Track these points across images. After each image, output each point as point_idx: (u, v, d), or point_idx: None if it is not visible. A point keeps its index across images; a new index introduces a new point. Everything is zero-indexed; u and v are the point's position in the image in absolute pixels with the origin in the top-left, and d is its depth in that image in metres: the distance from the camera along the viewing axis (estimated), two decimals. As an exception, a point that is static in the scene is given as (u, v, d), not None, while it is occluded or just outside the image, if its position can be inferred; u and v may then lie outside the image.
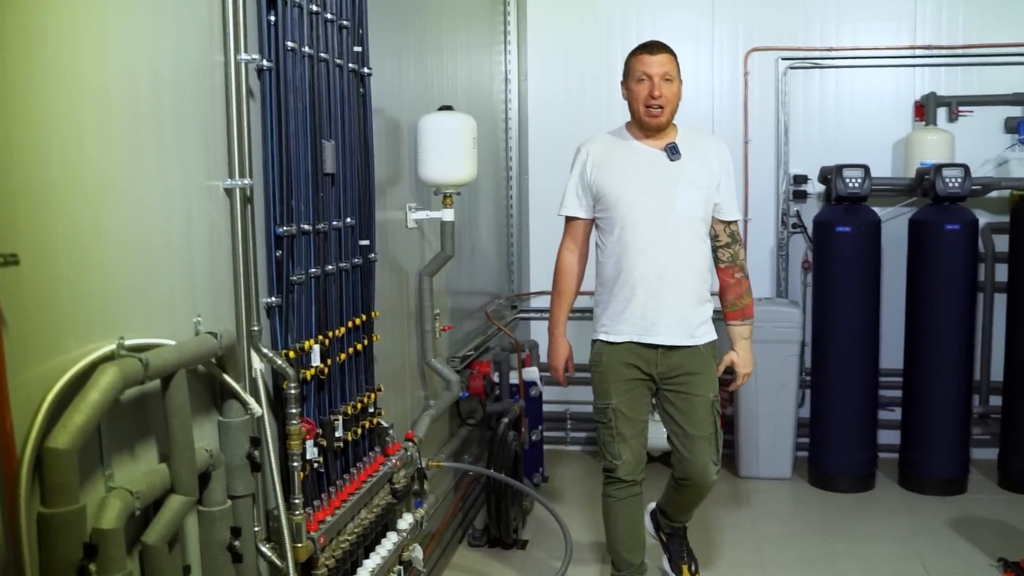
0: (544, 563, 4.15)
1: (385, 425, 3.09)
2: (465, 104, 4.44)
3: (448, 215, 3.65)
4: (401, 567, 3.05)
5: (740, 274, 3.49)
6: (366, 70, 2.95)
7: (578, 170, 3.41)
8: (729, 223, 3.44)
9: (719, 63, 5.72)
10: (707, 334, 3.39)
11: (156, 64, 1.94)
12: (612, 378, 3.39)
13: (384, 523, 3.02)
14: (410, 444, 3.27)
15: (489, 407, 4.48)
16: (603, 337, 3.40)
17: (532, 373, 5.07)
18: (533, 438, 5.00)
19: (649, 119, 3.27)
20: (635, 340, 3.34)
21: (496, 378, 4.61)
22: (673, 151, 3.31)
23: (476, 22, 5.11)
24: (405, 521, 3.13)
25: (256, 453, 2.17)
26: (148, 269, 1.90)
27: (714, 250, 3.45)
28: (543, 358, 5.74)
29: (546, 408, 5.47)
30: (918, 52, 5.50)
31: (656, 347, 3.34)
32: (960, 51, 5.48)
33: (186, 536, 2.00)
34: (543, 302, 5.98)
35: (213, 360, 2.08)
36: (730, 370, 3.57)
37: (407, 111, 3.64)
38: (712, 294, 3.45)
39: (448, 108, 3.63)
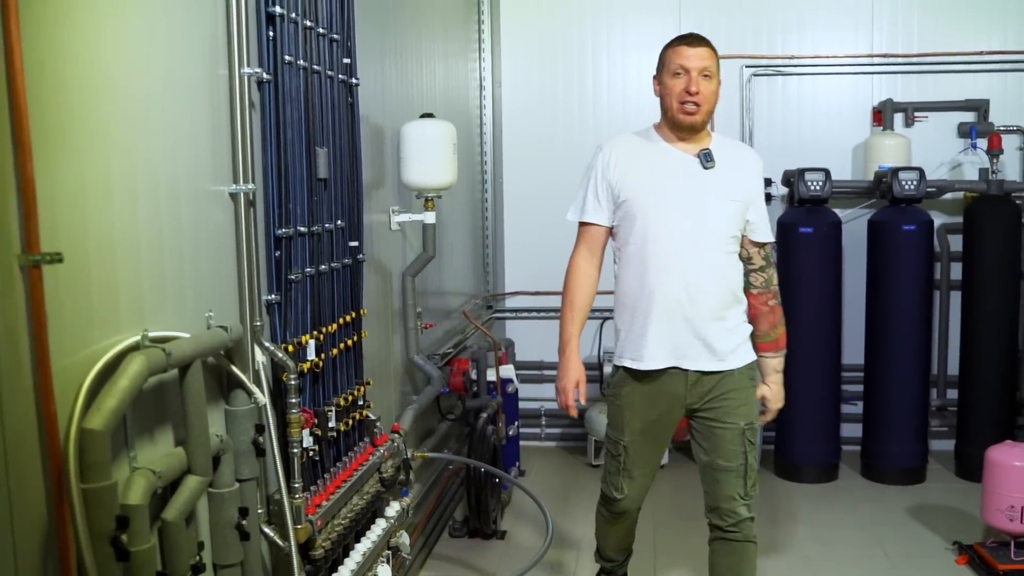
0: (522, 552, 4.32)
1: (373, 417, 3.25)
2: (443, 110, 4.60)
3: (430, 218, 3.81)
4: (389, 552, 3.21)
5: (774, 301, 3.16)
6: (354, 80, 3.12)
7: (599, 171, 3.07)
8: (763, 245, 3.13)
9: (686, 70, 5.91)
10: (743, 356, 3.07)
11: (171, 78, 2.10)
12: (629, 415, 3.13)
13: (373, 510, 3.18)
14: (396, 436, 3.43)
15: (468, 403, 4.65)
16: (628, 364, 3.07)
17: (508, 370, 5.24)
18: (510, 433, 5.17)
19: (684, 116, 2.94)
20: (661, 367, 3.02)
21: (474, 375, 4.78)
22: (707, 158, 2.98)
23: (452, 30, 5.28)
24: (392, 509, 3.29)
25: (260, 439, 2.32)
26: (164, 267, 2.05)
27: (746, 274, 3.12)
28: (519, 356, 5.95)
29: (521, 405, 5.65)
30: (875, 60, 5.75)
31: (685, 373, 3.03)
32: (915, 59, 5.73)
33: (198, 515, 2.16)
34: (518, 302, 6.18)
35: (223, 352, 2.24)
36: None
37: (390, 118, 3.80)
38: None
39: (430, 115, 3.80)
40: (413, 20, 4.35)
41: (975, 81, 5.70)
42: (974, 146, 5.57)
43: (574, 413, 3.15)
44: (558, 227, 5.86)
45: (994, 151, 5.34)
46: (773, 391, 3.21)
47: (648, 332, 2.99)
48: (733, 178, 3.02)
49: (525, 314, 6.18)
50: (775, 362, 3.20)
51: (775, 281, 3.17)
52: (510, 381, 5.21)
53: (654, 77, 3.08)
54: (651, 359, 3.02)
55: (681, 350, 3.00)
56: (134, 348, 1.84)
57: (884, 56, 5.74)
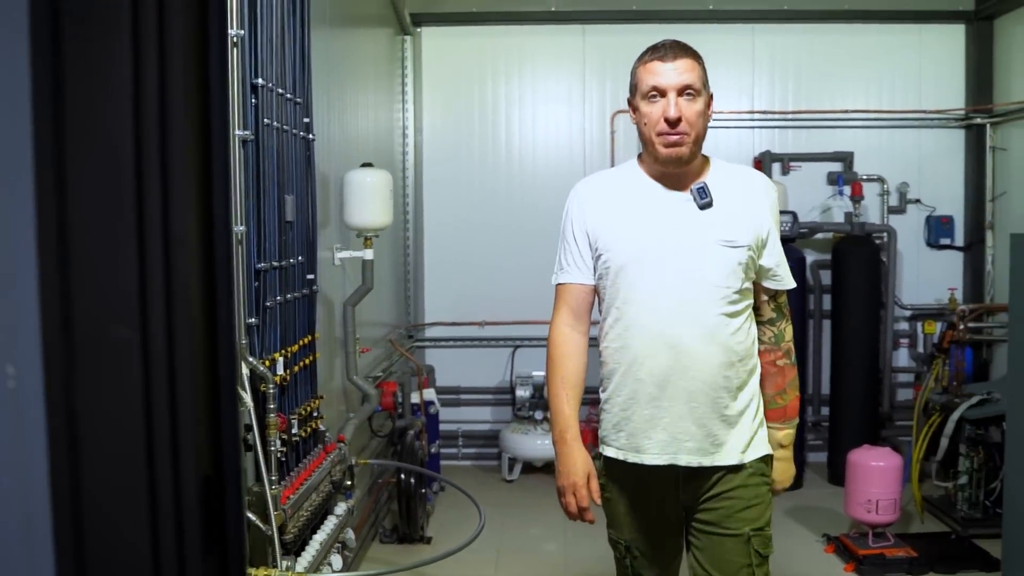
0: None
1: (323, 429, 3.73)
2: (373, 156, 5.11)
3: (369, 254, 4.32)
4: (340, 544, 3.68)
5: (785, 360, 2.53)
6: (311, 136, 3.63)
7: (574, 218, 2.51)
8: (777, 294, 2.51)
9: (590, 123, 6.57)
10: (756, 448, 2.44)
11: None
12: (623, 509, 2.55)
13: (325, 508, 3.65)
14: (342, 445, 3.91)
15: (398, 422, 5.14)
16: (609, 454, 2.50)
17: (430, 394, 5.76)
18: (432, 451, 5.68)
19: (666, 151, 2.34)
20: (649, 463, 2.41)
21: (400, 397, 5.27)
22: (703, 194, 2.37)
23: (380, 82, 5.81)
24: (341, 508, 3.77)
25: (248, 437, 2.80)
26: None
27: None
28: (439, 381, 6.46)
29: (441, 427, 6.16)
30: (756, 116, 6.48)
31: (676, 469, 2.42)
32: (790, 116, 6.48)
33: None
34: (436, 332, 6.70)
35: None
36: None
37: (332, 165, 4.31)
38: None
39: (369, 165, 4.32)
40: (350, 74, 4.87)
41: (842, 135, 6.49)
42: (840, 192, 6.33)
43: (591, 517, 2.49)
44: (473, 264, 6.51)
45: (857, 197, 6.12)
46: (779, 468, 2.55)
47: (632, 417, 2.41)
48: (738, 216, 2.38)
49: (443, 343, 6.70)
50: (782, 434, 2.55)
51: (788, 336, 2.54)
52: (432, 403, 5.72)
53: (628, 100, 2.48)
54: (635, 450, 2.43)
55: (671, 443, 2.39)
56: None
57: (764, 112, 6.48)
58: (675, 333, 2.36)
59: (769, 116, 6.48)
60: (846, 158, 6.42)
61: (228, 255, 0.97)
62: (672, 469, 2.42)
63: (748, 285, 2.43)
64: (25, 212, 0.88)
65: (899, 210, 6.47)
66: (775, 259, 2.47)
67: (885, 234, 6.24)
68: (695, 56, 2.40)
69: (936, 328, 6.16)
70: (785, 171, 6.45)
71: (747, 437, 2.44)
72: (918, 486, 5.37)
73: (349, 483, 3.93)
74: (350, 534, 3.81)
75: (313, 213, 3.64)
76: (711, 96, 2.43)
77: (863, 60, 6.49)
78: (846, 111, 6.45)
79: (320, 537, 3.44)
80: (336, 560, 3.55)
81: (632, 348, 2.41)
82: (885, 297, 6.17)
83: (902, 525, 5.17)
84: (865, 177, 6.34)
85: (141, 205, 0.88)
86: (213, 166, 0.96)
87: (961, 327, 5.83)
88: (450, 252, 6.63)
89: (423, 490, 4.98)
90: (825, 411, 6.44)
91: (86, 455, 0.89)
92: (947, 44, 6.48)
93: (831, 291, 6.22)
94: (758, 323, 2.52)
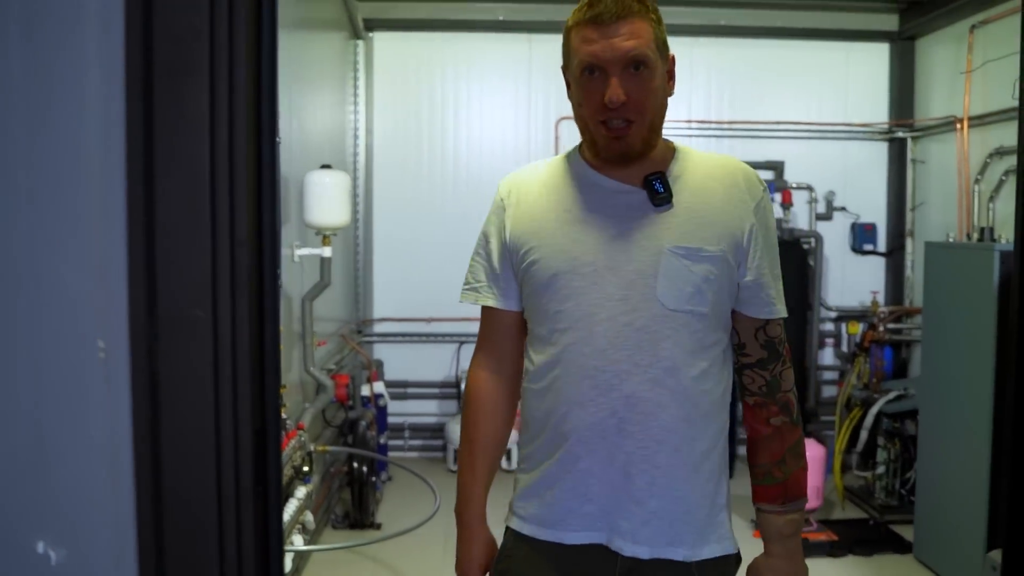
0: (396, 539, 5.04)
1: (284, 417, 3.94)
2: (328, 156, 5.32)
3: (327, 251, 4.54)
4: (300, 526, 3.90)
5: (782, 418, 1.82)
6: (278, 139, 3.82)
7: (494, 225, 1.89)
8: (766, 324, 1.81)
9: (535, 128, 6.84)
10: (716, 541, 1.78)
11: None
12: None
13: (287, 492, 3.86)
14: (302, 432, 4.12)
15: (349, 413, 5.35)
16: (515, 526, 1.86)
17: (380, 387, 5.98)
18: (381, 441, 5.90)
19: (610, 143, 1.73)
20: (575, 542, 1.77)
21: (352, 389, 5.49)
22: (658, 187, 1.74)
23: (334, 85, 6.01)
24: (301, 491, 3.98)
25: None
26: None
27: (737, 372, 1.86)
28: (388, 375, 6.68)
29: (389, 419, 6.38)
30: (693, 125, 6.81)
31: (615, 556, 1.75)
32: (726, 125, 6.82)
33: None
34: (385, 327, 6.91)
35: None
36: None
37: (293, 166, 4.51)
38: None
39: (328, 167, 4.53)
40: (307, 77, 5.07)
41: (774, 145, 6.84)
42: (772, 200, 6.68)
43: None
44: (420, 262, 6.72)
45: (787, 204, 6.48)
46: (774, 566, 1.85)
47: (555, 481, 1.78)
48: (707, 216, 1.75)
49: (391, 338, 6.91)
50: (782, 521, 1.83)
51: (787, 386, 1.83)
52: (381, 396, 5.95)
53: (562, 71, 1.83)
54: (557, 525, 1.79)
55: (608, 518, 1.75)
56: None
57: (701, 122, 6.81)
58: (614, 373, 1.71)
59: (706, 125, 6.81)
60: (777, 167, 6.77)
61: (275, 253, 1.20)
62: (601, 555, 1.75)
63: (722, 309, 1.76)
64: (118, 217, 1.12)
65: (826, 217, 6.84)
66: (758, 274, 1.77)
67: (813, 239, 6.60)
68: (645, 12, 1.70)
69: (859, 329, 6.54)
70: (720, 178, 6.78)
71: (709, 522, 1.76)
72: (840, 476, 5.73)
73: (307, 469, 4.15)
74: (309, 517, 4.02)
75: (278, 212, 3.84)
76: (672, 59, 1.79)
77: (794, 75, 6.85)
78: (778, 122, 6.80)
79: (285, 516, 3.65)
80: (297, 539, 3.76)
81: (556, 391, 1.76)
82: (812, 299, 6.53)
83: (825, 512, 5.52)
84: (795, 185, 6.70)
85: (213, 212, 1.11)
86: (263, 181, 1.19)
87: (881, 328, 6.22)
88: (398, 251, 6.85)
89: (372, 478, 5.20)
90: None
91: (165, 412, 1.13)
92: (872, 62, 6.87)
93: (762, 293, 6.56)
94: (746, 367, 1.82)
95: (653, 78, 1.71)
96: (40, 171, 1.12)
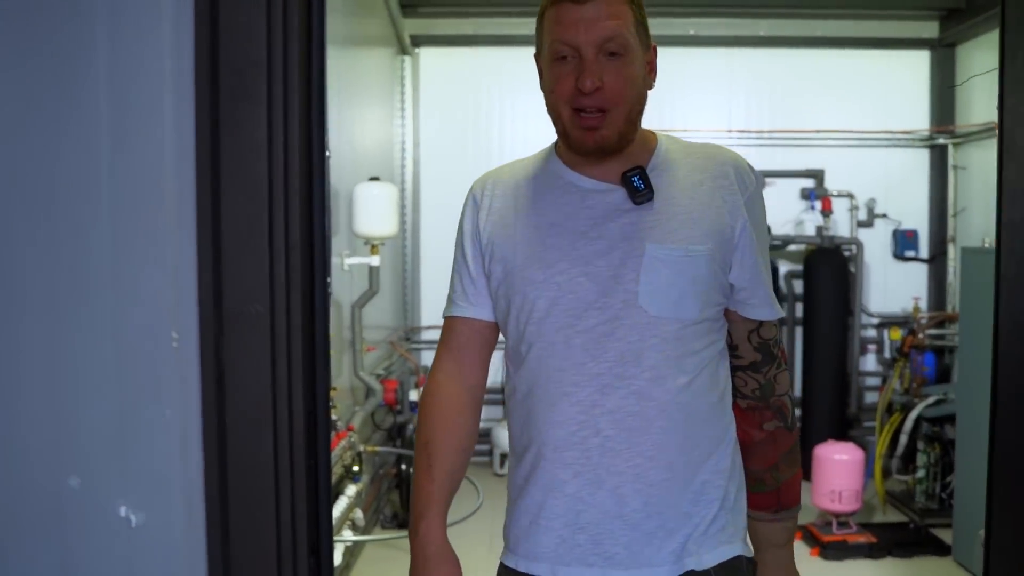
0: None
1: (335, 418, 4.12)
2: (376, 169, 5.51)
3: (375, 260, 4.73)
4: (351, 522, 4.08)
5: (776, 423, 1.74)
6: (328, 154, 4.02)
7: (468, 230, 1.77)
8: (759, 326, 1.71)
9: (578, 138, 6.97)
10: (718, 546, 1.64)
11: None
12: None
13: (337, 490, 4.05)
14: (352, 433, 4.31)
15: (397, 417, 5.54)
16: (508, 561, 1.71)
17: (427, 392, 6.14)
18: (429, 445, 6.06)
19: (583, 135, 1.60)
20: (560, 571, 1.62)
21: (400, 394, 5.67)
22: (637, 184, 1.62)
23: (382, 100, 6.22)
24: (351, 490, 4.16)
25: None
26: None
27: (732, 372, 1.75)
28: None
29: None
30: (733, 134, 6.91)
31: None
32: (766, 134, 6.92)
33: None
34: (432, 335, 7.09)
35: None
36: None
37: (343, 178, 4.71)
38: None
39: (376, 179, 4.72)
40: (356, 92, 5.27)
41: (814, 153, 6.92)
42: (812, 207, 6.76)
43: None
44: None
45: (827, 212, 6.56)
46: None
47: (541, 507, 1.64)
48: (692, 212, 1.62)
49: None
50: (775, 529, 1.78)
51: (781, 388, 1.74)
52: (429, 401, 6.11)
53: (536, 57, 1.73)
54: (550, 559, 1.63)
55: (600, 548, 1.60)
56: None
57: (741, 131, 6.91)
58: (595, 388, 1.58)
59: (746, 134, 6.91)
60: (818, 175, 6.85)
61: (325, 256, 1.37)
62: None
63: (713, 312, 1.64)
64: (189, 226, 1.29)
65: (867, 224, 6.90)
66: (751, 274, 1.65)
67: (853, 246, 6.67)
68: None
69: (900, 335, 6.59)
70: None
71: (710, 531, 1.62)
72: (881, 480, 5.79)
73: (357, 468, 4.33)
74: (359, 514, 4.20)
75: (329, 222, 4.03)
76: (654, 49, 1.66)
77: (834, 83, 6.92)
78: (818, 131, 6.88)
79: (335, 513, 3.83)
80: (348, 534, 3.94)
81: (534, 411, 1.63)
82: (853, 305, 6.59)
83: (865, 515, 5.59)
84: (836, 193, 6.78)
85: (270, 221, 1.28)
86: (314, 193, 1.36)
87: (920, 334, 6.27)
88: (445, 260, 6.94)
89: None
90: (797, 412, 6.84)
91: (228, 394, 1.30)
92: (913, 69, 6.92)
93: (803, 300, 6.64)
94: (737, 369, 1.72)
95: (631, 64, 1.58)
96: (122, 184, 1.30)
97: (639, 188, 1.60)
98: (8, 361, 1.32)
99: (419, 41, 6.91)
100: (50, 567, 1.36)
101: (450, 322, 1.76)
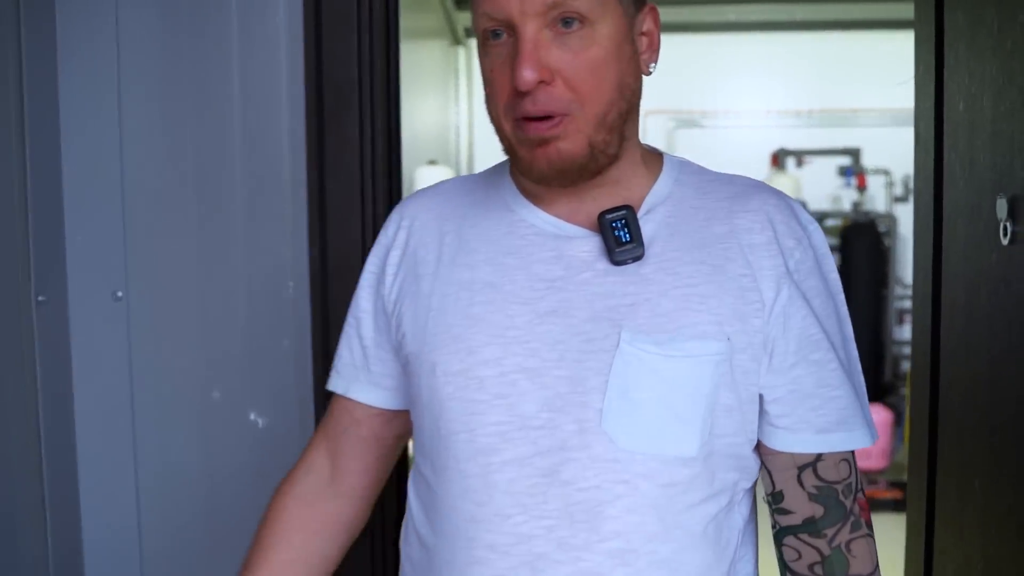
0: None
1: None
2: (433, 153, 5.94)
3: (434, 237, 5.16)
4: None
5: None
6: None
7: (368, 272, 1.22)
8: (816, 461, 1.04)
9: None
10: None
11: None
12: None
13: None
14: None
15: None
16: None
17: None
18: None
19: (530, 158, 1.03)
20: None
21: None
22: (621, 234, 1.03)
23: (436, 87, 6.65)
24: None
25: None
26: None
27: (774, 539, 1.09)
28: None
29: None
30: (772, 115, 7.23)
31: None
32: (804, 114, 7.22)
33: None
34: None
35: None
36: None
37: (406, 162, 5.12)
38: None
39: (434, 162, 5.16)
40: (415, 81, 5.70)
41: (852, 132, 7.21)
42: (848, 184, 7.07)
43: None
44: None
45: (863, 188, 6.87)
46: None
47: None
48: (700, 283, 1.04)
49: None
50: None
51: (859, 569, 1.05)
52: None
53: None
54: None
55: None
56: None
57: (779, 112, 7.23)
58: (523, 560, 1.01)
59: (785, 114, 7.22)
60: (855, 153, 7.14)
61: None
62: None
63: (725, 446, 1.04)
64: (301, 201, 1.74)
65: (903, 199, 7.17)
66: (788, 379, 1.05)
67: (889, 220, 6.96)
68: None
69: (934, 305, 6.87)
70: (799, 165, 7.19)
71: None
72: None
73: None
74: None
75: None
76: (651, 11, 1.14)
77: (870, 63, 7.18)
78: (855, 109, 7.17)
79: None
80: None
81: (437, 555, 1.08)
82: (888, 278, 6.90)
83: (895, 473, 5.92)
84: (872, 170, 7.07)
85: (362, 197, 1.72)
86: (392, 178, 1.79)
87: (952, 303, 6.56)
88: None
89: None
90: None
91: (332, 329, 1.74)
92: (947, 49, 7.15)
93: (840, 272, 6.93)
94: (782, 531, 1.08)
95: (601, 39, 1.00)
96: (253, 170, 1.75)
97: (622, 239, 1.03)
98: (171, 305, 1.78)
99: (472, 32, 7.28)
100: (197, 460, 1.83)
101: (333, 402, 1.25)
